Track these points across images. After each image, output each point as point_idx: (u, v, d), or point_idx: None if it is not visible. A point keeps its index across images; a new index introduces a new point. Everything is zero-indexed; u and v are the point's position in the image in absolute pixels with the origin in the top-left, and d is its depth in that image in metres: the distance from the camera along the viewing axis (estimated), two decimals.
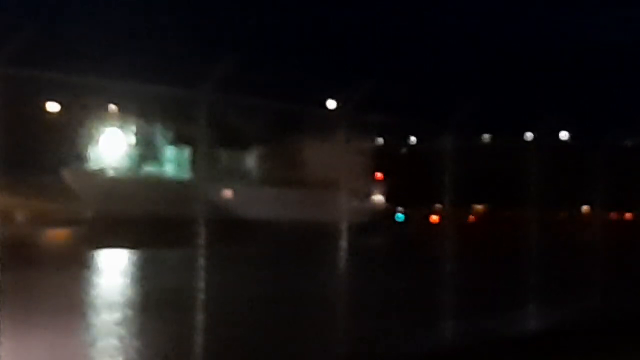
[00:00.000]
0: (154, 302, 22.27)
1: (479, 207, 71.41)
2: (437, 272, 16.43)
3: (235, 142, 71.83)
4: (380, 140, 72.20)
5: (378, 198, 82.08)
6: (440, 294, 16.24)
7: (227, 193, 70.07)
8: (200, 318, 12.67)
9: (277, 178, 75.70)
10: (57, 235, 54.62)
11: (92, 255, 41.49)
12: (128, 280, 31.15)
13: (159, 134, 78.08)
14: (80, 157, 74.53)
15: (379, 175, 79.97)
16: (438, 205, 18.55)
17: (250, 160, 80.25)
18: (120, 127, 76.58)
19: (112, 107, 75.40)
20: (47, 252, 41.23)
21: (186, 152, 75.45)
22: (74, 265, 32.17)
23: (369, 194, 78.26)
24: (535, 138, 20.70)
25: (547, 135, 21.31)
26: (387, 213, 79.56)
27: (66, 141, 72.16)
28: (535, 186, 19.75)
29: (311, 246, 32.07)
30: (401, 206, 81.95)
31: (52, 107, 70.46)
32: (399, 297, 20.84)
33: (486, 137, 32.93)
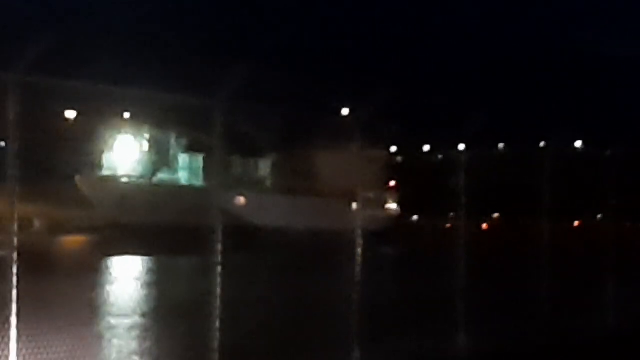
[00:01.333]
0: (168, 309, 22.33)
1: (493, 215, 71.25)
2: (451, 280, 16.43)
3: (248, 150, 71.92)
4: (395, 149, 72.20)
5: (392, 206, 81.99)
6: (456, 303, 16.24)
7: (241, 201, 70.17)
8: (214, 325, 12.71)
9: (291, 186, 75.71)
10: (73, 242, 54.77)
11: (107, 262, 41.61)
12: (142, 287, 31.23)
13: (173, 141, 78.22)
14: (94, 165, 74.76)
15: (393, 183, 79.90)
16: (452, 214, 18.54)
17: (264, 168, 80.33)
18: (135, 134, 76.78)
19: (127, 114, 75.61)
20: (63, 259, 41.39)
21: (199, 159, 75.58)
22: (89, 273, 32.29)
23: (383, 202, 78.20)
24: (549, 147, 20.69)
25: (561, 144, 21.30)
26: (401, 221, 79.45)
27: (82, 149, 72.41)
28: (549, 195, 19.74)
29: (325, 254, 32.07)
30: (415, 214, 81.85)
31: (69, 114, 70.75)
32: (412, 305, 20.83)
33: (501, 146, 32.93)
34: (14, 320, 10.65)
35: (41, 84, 11.55)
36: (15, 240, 10.63)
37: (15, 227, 10.66)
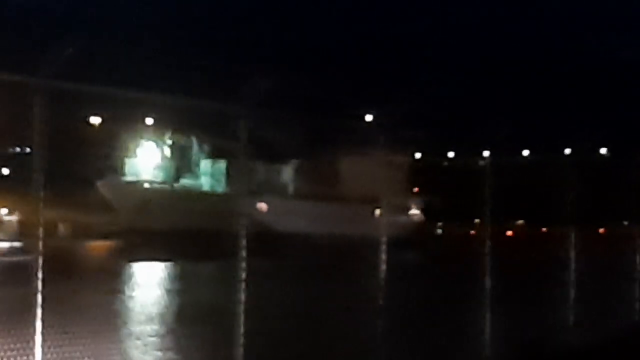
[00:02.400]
0: (192, 316, 22.34)
1: (517, 222, 70.91)
2: (476, 287, 16.35)
3: (271, 156, 71.88)
4: (418, 155, 72.05)
5: (416, 212, 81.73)
6: (480, 311, 16.16)
7: (263, 206, 70.14)
8: (237, 331, 12.69)
9: (314, 192, 75.64)
10: (98, 247, 54.96)
11: (130, 268, 41.72)
12: (165, 293, 31.26)
13: (195, 147, 78.36)
14: (118, 170, 75.03)
15: (416, 189, 79.66)
16: (476, 221, 18.46)
17: (287, 173, 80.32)
18: (158, 140, 77.02)
19: (150, 120, 75.86)
20: (87, 264, 41.54)
21: (222, 165, 75.68)
22: (113, 278, 32.37)
23: (406, 209, 77.97)
24: (574, 154, 20.58)
25: (586, 151, 21.19)
26: (424, 228, 79.21)
27: (106, 154, 72.71)
28: (574, 202, 19.62)
29: (348, 261, 31.98)
30: (439, 221, 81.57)
31: (93, 120, 71.09)
32: (437, 312, 20.72)
33: (525, 152, 32.80)
34: (38, 325, 10.67)
35: (65, 89, 11.58)
36: (41, 245, 10.65)
37: (41, 232, 10.68)
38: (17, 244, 49.58)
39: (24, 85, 11.10)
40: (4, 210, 58.32)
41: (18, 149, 68.66)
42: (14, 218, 56.68)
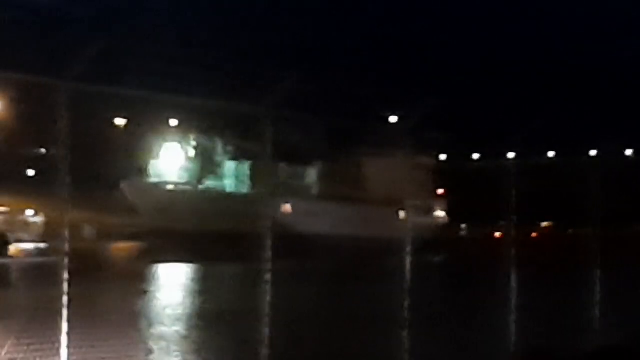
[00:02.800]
0: (216, 317, 22.35)
1: (543, 224, 70.56)
2: (501, 290, 16.25)
3: (295, 157, 71.80)
4: (443, 157, 71.81)
5: (440, 214, 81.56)
6: (507, 316, 16.03)
7: (287, 208, 70.13)
8: (262, 332, 12.67)
9: (338, 193, 75.57)
10: (122, 249, 55.15)
11: (154, 269, 41.82)
12: (189, 295, 31.32)
13: (219, 148, 78.41)
14: (141, 171, 75.23)
15: (441, 191, 79.50)
16: (501, 222, 18.36)
17: (311, 175, 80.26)
18: (182, 141, 77.14)
19: (174, 121, 76.03)
20: (112, 266, 41.68)
21: (246, 167, 75.71)
22: (137, 279, 32.46)
23: (431, 210, 77.79)
24: (599, 155, 20.44)
25: (612, 153, 21.05)
26: (449, 229, 79.01)
27: (130, 155, 72.95)
28: (600, 203, 19.49)
29: (372, 262, 31.92)
30: (464, 223, 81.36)
31: (119, 121, 71.35)
32: (464, 314, 20.65)
33: (551, 154, 32.62)
34: (64, 326, 10.70)
35: (91, 91, 11.61)
36: (66, 246, 10.67)
37: (66, 233, 10.70)
38: (42, 245, 49.85)
39: (50, 87, 11.14)
40: (30, 212, 58.71)
41: (44, 150, 69.12)
42: (39, 219, 57.05)
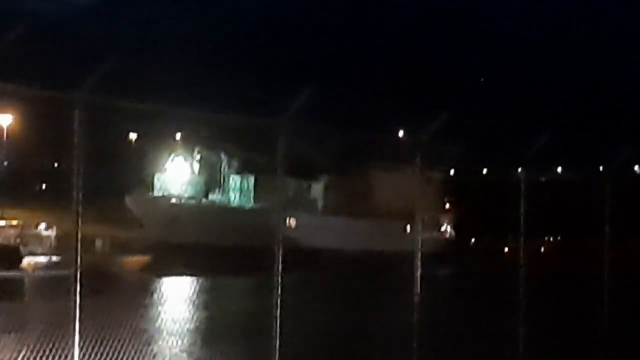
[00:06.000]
0: (222, 330, 22.38)
1: (551, 239, 70.45)
2: (511, 306, 16.25)
3: (302, 171, 71.73)
4: (452, 171, 71.86)
5: (448, 229, 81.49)
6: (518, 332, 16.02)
7: (293, 222, 70.07)
8: (269, 347, 12.68)
9: (345, 207, 75.52)
10: (132, 262, 55.13)
11: (164, 283, 41.88)
12: (198, 309, 31.32)
13: (224, 162, 78.34)
14: (147, 185, 75.25)
15: (449, 205, 79.44)
16: (510, 237, 18.37)
17: (318, 189, 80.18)
18: (187, 154, 77.11)
19: (179, 134, 76.13)
20: (122, 279, 41.76)
21: (251, 180, 75.64)
22: (147, 293, 32.52)
23: (439, 224, 77.71)
24: (608, 171, 20.46)
25: (620, 168, 21.06)
26: (457, 244, 78.87)
27: (140, 169, 73.09)
28: (608, 218, 19.49)
29: (379, 276, 31.89)
30: (472, 237, 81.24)
31: (129, 135, 71.61)
32: (471, 330, 20.61)
33: (559, 169, 32.65)
34: (77, 339, 10.74)
35: (102, 104, 11.68)
36: (78, 259, 10.73)
37: (78, 247, 10.76)
38: (55, 258, 49.95)
39: (62, 101, 11.23)
40: (42, 225, 58.84)
41: (56, 164, 69.36)
42: (52, 233, 57.15)
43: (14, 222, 58.83)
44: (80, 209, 10.92)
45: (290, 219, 68.76)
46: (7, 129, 65.65)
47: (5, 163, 73.89)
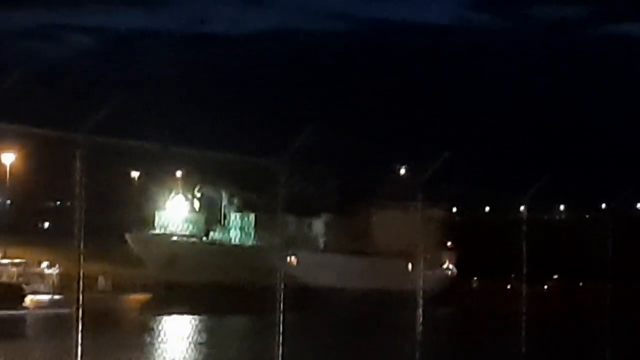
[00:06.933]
0: None
1: (552, 278, 70.26)
2: (512, 345, 16.20)
3: (303, 209, 71.58)
4: (454, 209, 71.72)
5: (450, 267, 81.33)
6: None
7: (294, 260, 69.85)
8: None
9: (347, 245, 75.41)
10: (134, 300, 55.04)
11: (165, 321, 41.78)
12: (197, 347, 31.17)
13: (225, 200, 78.32)
14: (147, 222, 75.18)
15: (450, 244, 79.31)
16: (512, 275, 18.33)
17: (318, 227, 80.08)
18: (187, 192, 77.11)
19: (181, 173, 76.23)
20: (125, 317, 41.64)
21: (252, 218, 75.59)
22: (149, 332, 32.41)
23: (440, 263, 77.58)
24: (610, 209, 20.46)
25: (622, 206, 21.07)
26: (459, 282, 78.66)
27: (140, 206, 73.09)
28: (610, 258, 19.46)
29: (380, 315, 31.77)
30: (473, 276, 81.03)
31: (130, 173, 71.69)
32: None
33: (561, 208, 32.64)
34: None
35: (104, 143, 11.73)
36: (81, 298, 10.72)
37: (80, 285, 10.76)
38: (57, 296, 49.91)
39: (64, 140, 11.29)
40: (45, 264, 58.82)
41: (58, 203, 69.43)
42: (54, 271, 57.13)
43: (17, 261, 58.80)
44: (82, 246, 10.94)
45: (291, 256, 68.60)
46: (10, 167, 65.86)
47: (8, 202, 73.99)
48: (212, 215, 78.36)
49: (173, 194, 76.90)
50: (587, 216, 22.39)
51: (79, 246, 10.92)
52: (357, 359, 23.06)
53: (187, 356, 26.58)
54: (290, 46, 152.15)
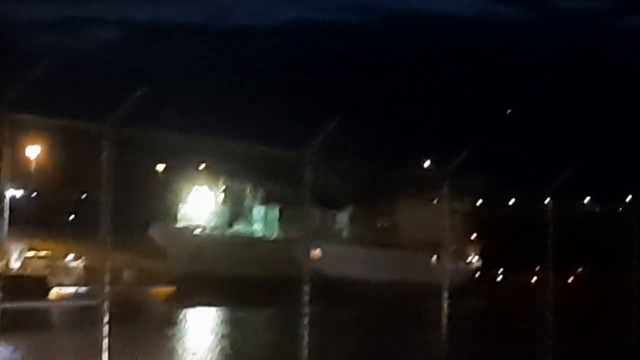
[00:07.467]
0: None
1: (578, 269, 69.87)
2: (538, 338, 16.09)
3: (328, 201, 71.34)
4: (479, 202, 71.45)
5: (475, 259, 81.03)
6: None
7: (318, 252, 69.70)
8: None
9: (371, 237, 75.29)
10: (159, 293, 55.15)
11: (190, 314, 41.90)
12: (222, 339, 31.24)
13: (249, 192, 78.16)
14: (171, 215, 75.22)
15: (475, 236, 79.00)
16: (537, 268, 18.22)
17: (343, 219, 79.92)
18: (211, 185, 77.05)
19: (205, 165, 76.19)
20: (150, 310, 41.75)
21: (276, 211, 75.45)
22: (175, 324, 32.49)
23: (465, 255, 77.29)
24: (636, 201, 20.31)
25: None
26: (483, 275, 78.38)
27: (165, 199, 73.24)
28: (636, 249, 19.31)
29: (405, 308, 31.71)
30: (499, 267, 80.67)
31: (155, 166, 71.82)
32: None
33: (587, 200, 32.48)
34: None
35: (131, 136, 11.73)
36: (107, 290, 10.72)
37: (107, 278, 10.77)
38: (82, 289, 50.13)
39: (91, 133, 11.29)
40: (70, 256, 59.07)
41: (84, 195, 69.72)
42: (79, 263, 57.31)
43: (42, 253, 59.06)
44: (109, 239, 10.94)
45: (315, 249, 68.49)
46: (36, 160, 66.13)
47: (34, 194, 74.33)
48: (236, 208, 78.29)
49: (197, 186, 76.92)
50: (614, 208, 22.25)
51: (105, 238, 10.93)
52: (381, 350, 23.02)
53: (211, 348, 26.63)
54: (316, 38, 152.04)
